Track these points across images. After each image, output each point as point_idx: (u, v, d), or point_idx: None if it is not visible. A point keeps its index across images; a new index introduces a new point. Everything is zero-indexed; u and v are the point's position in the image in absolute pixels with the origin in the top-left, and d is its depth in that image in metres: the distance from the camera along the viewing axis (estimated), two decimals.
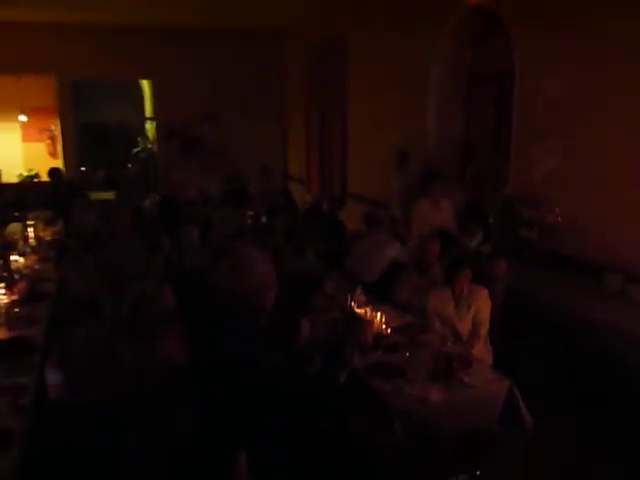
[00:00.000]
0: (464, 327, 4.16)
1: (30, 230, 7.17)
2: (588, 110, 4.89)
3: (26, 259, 6.13)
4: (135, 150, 13.83)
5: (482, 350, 4.14)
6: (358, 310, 4.24)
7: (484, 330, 4.17)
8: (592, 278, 4.66)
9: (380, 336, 3.97)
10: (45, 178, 10.81)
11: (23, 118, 11.45)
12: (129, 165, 13.44)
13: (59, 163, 10.53)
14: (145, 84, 13.06)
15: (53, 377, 3.23)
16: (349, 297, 4.40)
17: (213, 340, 2.44)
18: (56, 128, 11.27)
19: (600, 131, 4.77)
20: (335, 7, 8.65)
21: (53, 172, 8.82)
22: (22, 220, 7.70)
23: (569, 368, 4.19)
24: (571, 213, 5.07)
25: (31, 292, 5.06)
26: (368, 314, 4.18)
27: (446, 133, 7.04)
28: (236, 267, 2.65)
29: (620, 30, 4.55)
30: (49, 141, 11.73)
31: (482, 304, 4.15)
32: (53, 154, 11.67)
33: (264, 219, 7.51)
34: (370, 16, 8.21)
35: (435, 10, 6.69)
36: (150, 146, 13.07)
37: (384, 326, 4.08)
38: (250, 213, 7.66)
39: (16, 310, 4.61)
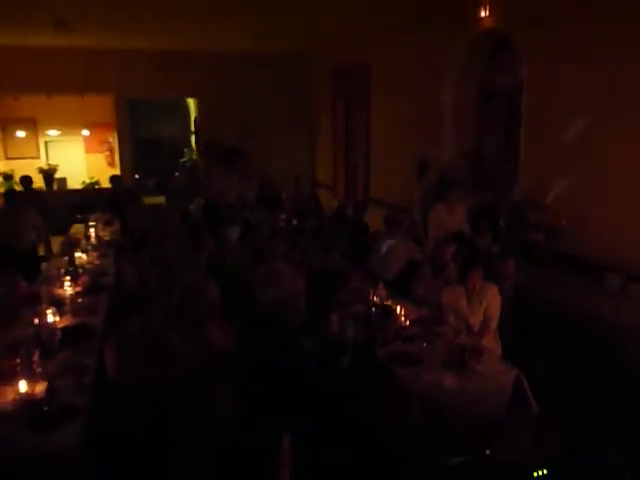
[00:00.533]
0: (476, 320, 4.10)
1: (91, 230, 7.30)
2: (590, 123, 4.83)
3: (88, 255, 6.21)
4: (182, 160, 13.99)
5: (492, 343, 4.07)
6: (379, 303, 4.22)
7: (494, 324, 4.10)
8: (594, 277, 4.57)
9: (400, 327, 3.95)
10: (104, 185, 11.06)
11: (86, 132, 11.66)
12: (176, 173, 13.59)
13: (116, 172, 10.69)
14: (191, 102, 13.21)
15: None
16: (372, 292, 4.37)
17: (254, 338, 2.45)
18: (114, 141, 11.46)
19: (600, 140, 4.71)
20: (357, 31, 8.63)
21: (114, 179, 8.94)
22: (85, 221, 7.86)
23: (572, 360, 4.10)
24: (574, 217, 4.99)
25: (92, 284, 5.15)
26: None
27: (460, 144, 6.97)
28: (270, 278, 2.67)
29: (618, 47, 4.48)
30: (108, 152, 11.91)
31: (492, 300, 4.09)
32: (111, 163, 11.85)
33: (295, 221, 7.53)
34: (389, 38, 8.17)
35: (450, 32, 6.62)
36: (195, 157, 13.21)
37: (403, 318, 4.05)
38: (282, 216, 7.68)
39: (79, 300, 4.68)
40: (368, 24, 8.05)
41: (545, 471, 2.02)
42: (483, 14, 6.02)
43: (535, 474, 2.03)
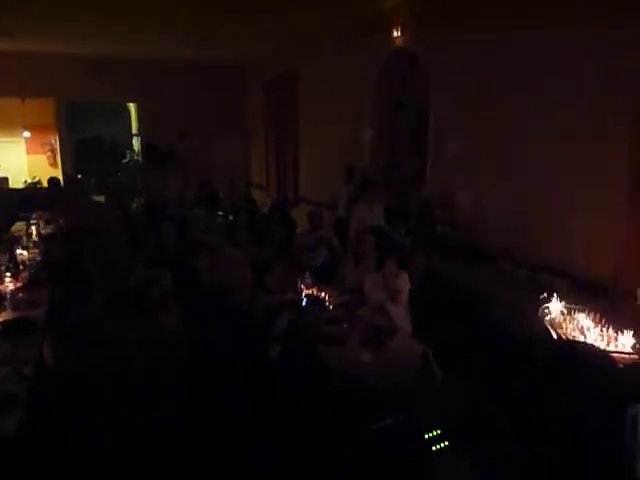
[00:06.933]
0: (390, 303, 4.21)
1: (33, 227, 6.86)
2: (481, 131, 5.11)
3: (29, 252, 5.82)
4: (124, 161, 13.42)
5: (403, 320, 4.20)
6: (306, 291, 4.23)
7: (405, 305, 4.24)
8: (490, 263, 4.84)
9: (324, 311, 3.99)
10: (46, 185, 10.39)
11: (27, 134, 10.94)
12: (118, 174, 13.03)
13: (58, 172, 10.09)
14: (132, 106, 12.70)
15: None
16: (299, 280, 4.39)
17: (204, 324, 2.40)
18: (56, 142, 10.80)
19: (490, 150, 4.98)
20: (286, 47, 8.61)
21: (52, 180, 8.50)
22: (26, 219, 7.38)
23: (472, 333, 4.30)
24: (474, 212, 5.24)
25: (33, 280, 4.85)
26: (315, 293, 4.19)
27: (377, 149, 7.13)
28: (218, 268, 2.64)
29: (506, 69, 4.74)
30: (50, 153, 11.23)
31: (404, 285, 4.23)
32: (53, 164, 11.18)
33: (231, 217, 7.42)
34: (315, 55, 8.21)
35: (368, 48, 6.75)
36: (136, 158, 12.71)
37: (327, 303, 4.10)
38: (220, 213, 7.56)
39: (20, 295, 4.39)
40: (295, 41, 8.06)
41: (439, 431, 2.12)
42: (395, 34, 6.20)
43: (431, 434, 2.13)
